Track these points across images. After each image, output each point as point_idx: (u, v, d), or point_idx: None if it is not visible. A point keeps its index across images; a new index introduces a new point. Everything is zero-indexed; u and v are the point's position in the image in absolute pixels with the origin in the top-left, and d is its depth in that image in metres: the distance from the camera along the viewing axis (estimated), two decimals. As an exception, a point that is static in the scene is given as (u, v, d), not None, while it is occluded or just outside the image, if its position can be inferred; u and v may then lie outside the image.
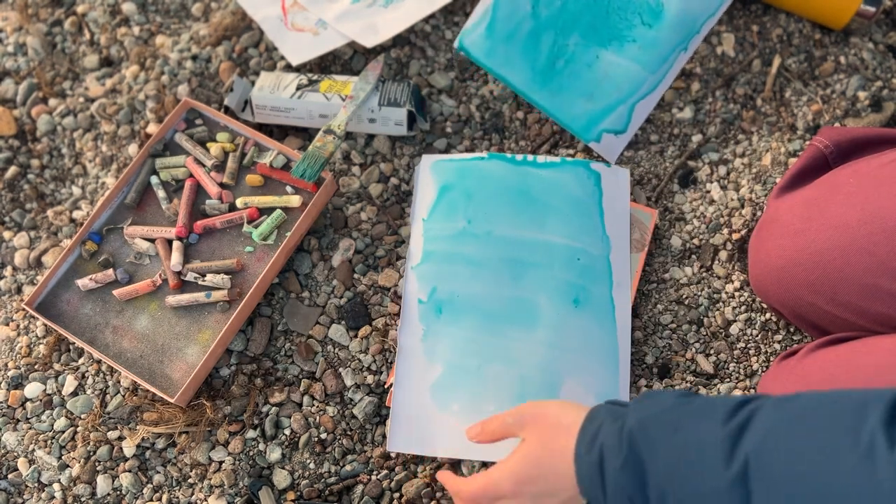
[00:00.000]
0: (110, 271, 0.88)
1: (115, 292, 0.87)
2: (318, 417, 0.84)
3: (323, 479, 0.82)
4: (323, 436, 0.83)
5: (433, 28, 1.06)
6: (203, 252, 0.89)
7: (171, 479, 0.83)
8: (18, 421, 0.87)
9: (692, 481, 0.50)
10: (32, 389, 0.88)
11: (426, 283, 0.87)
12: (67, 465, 0.84)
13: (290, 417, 0.84)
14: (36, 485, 0.84)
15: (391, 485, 0.81)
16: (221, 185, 0.93)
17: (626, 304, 0.85)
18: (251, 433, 0.83)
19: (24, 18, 1.12)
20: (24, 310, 0.92)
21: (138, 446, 0.84)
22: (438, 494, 0.80)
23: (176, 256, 0.87)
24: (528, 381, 0.81)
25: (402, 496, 0.80)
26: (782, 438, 0.47)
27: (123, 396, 0.86)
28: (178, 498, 0.82)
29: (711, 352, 0.85)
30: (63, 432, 0.86)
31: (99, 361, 0.88)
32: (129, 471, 0.83)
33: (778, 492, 0.46)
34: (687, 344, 0.86)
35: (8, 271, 0.95)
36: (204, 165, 0.93)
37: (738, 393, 0.81)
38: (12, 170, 1.01)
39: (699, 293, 0.88)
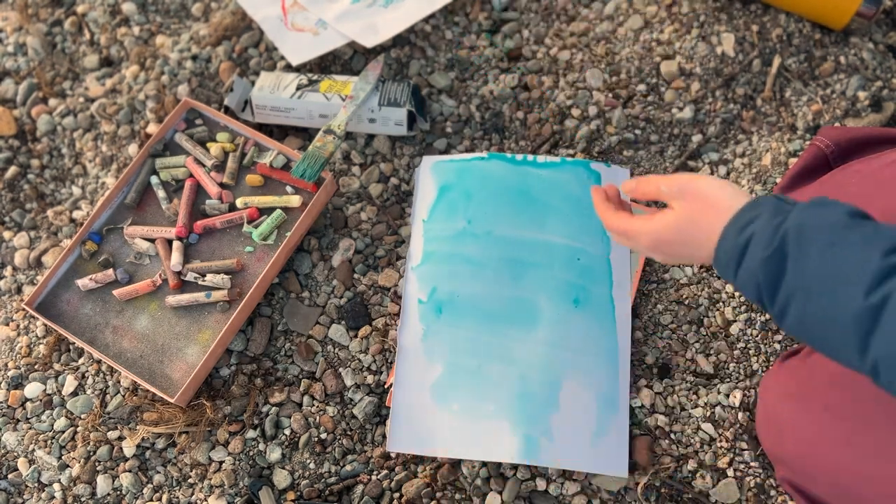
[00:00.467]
0: (110, 271, 0.88)
1: (115, 292, 0.87)
2: (318, 417, 0.84)
3: (323, 479, 0.82)
4: (323, 436, 0.83)
5: (433, 28, 1.06)
6: (203, 252, 0.89)
7: (171, 479, 0.83)
8: (18, 421, 0.87)
9: (825, 298, 0.51)
10: (32, 389, 0.87)
11: (426, 283, 0.87)
12: (67, 465, 0.84)
13: (290, 417, 0.84)
14: (36, 485, 0.84)
15: (391, 485, 0.81)
16: (221, 185, 0.93)
17: (626, 304, 0.85)
18: (251, 433, 0.83)
19: (24, 18, 1.11)
20: (24, 310, 0.92)
21: (138, 446, 0.84)
22: (438, 494, 0.80)
23: (176, 256, 0.87)
24: (528, 381, 0.81)
25: (402, 496, 0.80)
26: None
27: (123, 396, 0.86)
28: (178, 498, 0.82)
29: (711, 352, 0.85)
30: (63, 432, 0.86)
31: (99, 361, 0.88)
32: (129, 471, 0.83)
33: None
34: (687, 344, 0.86)
35: (8, 271, 0.95)
36: (204, 165, 0.93)
37: (738, 393, 0.81)
38: (12, 170, 1.01)
39: (699, 293, 0.88)
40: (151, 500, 0.82)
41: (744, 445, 0.80)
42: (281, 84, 0.96)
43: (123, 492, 0.82)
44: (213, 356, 0.83)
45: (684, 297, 0.88)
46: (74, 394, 0.87)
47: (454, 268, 0.87)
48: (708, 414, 0.81)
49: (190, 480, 0.83)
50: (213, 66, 1.05)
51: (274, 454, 0.82)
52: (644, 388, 0.83)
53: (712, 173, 0.94)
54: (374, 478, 0.81)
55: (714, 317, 0.86)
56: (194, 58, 1.05)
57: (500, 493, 0.79)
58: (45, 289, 0.88)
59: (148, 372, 0.84)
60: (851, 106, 0.95)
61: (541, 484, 0.79)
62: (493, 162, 0.92)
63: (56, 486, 0.83)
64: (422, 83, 1.02)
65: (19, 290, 0.94)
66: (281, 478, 0.82)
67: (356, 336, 0.88)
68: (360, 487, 0.81)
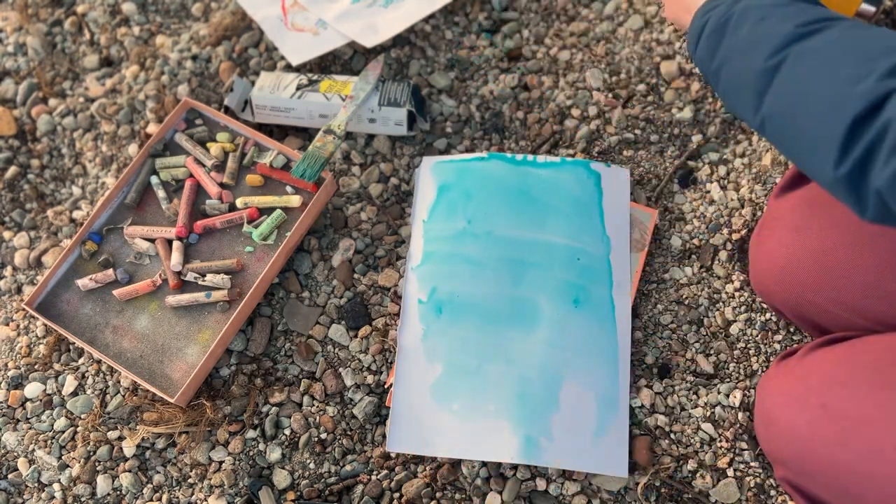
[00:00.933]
0: (110, 271, 0.88)
1: (115, 292, 0.87)
2: (318, 417, 0.84)
3: (323, 479, 0.82)
4: (323, 436, 0.83)
5: (433, 28, 1.06)
6: (203, 252, 0.90)
7: (171, 479, 0.83)
8: (18, 421, 0.87)
9: (742, 60, 0.58)
10: (32, 389, 0.88)
11: (426, 283, 0.87)
12: (67, 465, 0.84)
13: (290, 417, 0.84)
14: (36, 485, 0.84)
15: (391, 485, 0.81)
16: (221, 185, 0.93)
17: (626, 304, 0.85)
18: (251, 433, 0.83)
19: (24, 18, 1.12)
20: (24, 310, 0.92)
21: (138, 446, 0.84)
22: (438, 494, 0.80)
23: (176, 256, 0.87)
24: (528, 381, 0.81)
25: (402, 496, 0.80)
26: (820, 52, 0.53)
27: (123, 396, 0.86)
28: (178, 498, 0.82)
29: (711, 352, 0.85)
30: (63, 432, 0.86)
31: (99, 361, 0.88)
32: (129, 471, 0.83)
33: (786, 86, 0.54)
34: (687, 344, 0.86)
35: (8, 271, 0.95)
36: (204, 165, 0.93)
37: (738, 393, 0.81)
38: (12, 170, 1.01)
39: (699, 293, 0.88)
40: (151, 500, 0.82)
41: (744, 445, 0.80)
42: (281, 84, 0.96)
43: (123, 492, 0.82)
44: (213, 356, 0.83)
45: (684, 297, 0.88)
46: (74, 394, 0.87)
47: (454, 268, 0.87)
48: (708, 414, 0.81)
49: (190, 480, 0.83)
50: (213, 66, 1.05)
51: (274, 454, 0.82)
52: (644, 388, 0.83)
53: (712, 173, 0.94)
54: (374, 478, 0.81)
55: (714, 317, 0.86)
56: (194, 58, 1.05)
57: (500, 493, 0.79)
58: (45, 289, 0.88)
59: (148, 372, 0.84)
60: (851, 106, 0.95)
61: (541, 484, 0.80)
62: (493, 162, 0.92)
63: (56, 486, 0.83)
64: (422, 83, 1.02)
65: (19, 290, 0.94)
66: (281, 478, 0.82)
67: (356, 336, 0.88)
68: (360, 487, 0.81)
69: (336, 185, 0.93)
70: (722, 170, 0.94)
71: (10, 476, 0.84)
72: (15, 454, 0.85)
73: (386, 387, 0.85)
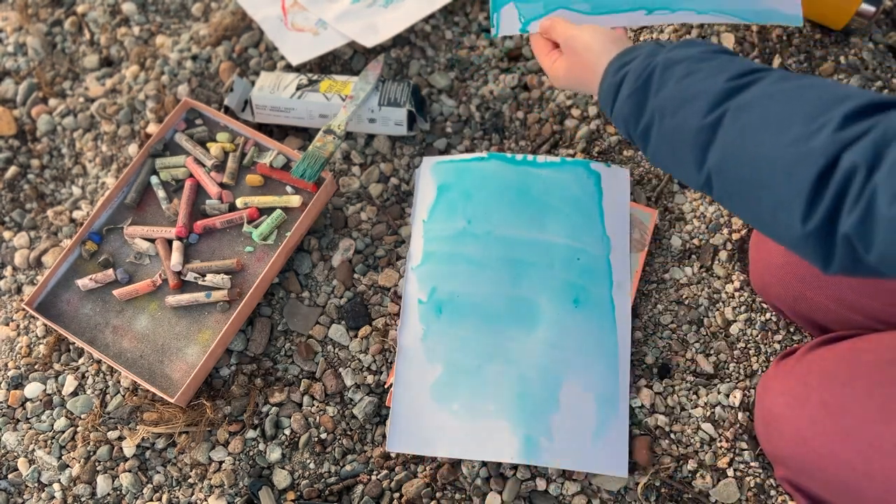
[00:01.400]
0: (110, 271, 0.88)
1: (115, 292, 0.87)
2: (318, 417, 0.84)
3: (323, 479, 0.82)
4: (323, 436, 0.83)
5: (433, 28, 1.06)
6: (203, 252, 0.90)
7: (171, 479, 0.83)
8: (18, 421, 0.87)
9: (675, 118, 0.56)
10: (32, 389, 0.88)
11: (426, 283, 0.87)
12: (67, 465, 0.84)
13: (290, 417, 0.84)
14: (36, 485, 0.84)
15: (391, 485, 0.81)
16: (221, 185, 0.93)
17: (626, 304, 0.85)
18: (251, 433, 0.83)
19: (24, 18, 1.12)
20: (24, 310, 0.92)
21: (138, 446, 0.84)
22: (438, 494, 0.80)
23: (176, 256, 0.87)
24: (528, 381, 0.81)
25: (402, 496, 0.80)
26: (761, 108, 0.52)
27: (123, 396, 0.86)
28: (178, 498, 0.82)
29: (711, 352, 0.85)
30: (63, 432, 0.86)
31: (99, 361, 0.88)
32: (129, 471, 0.83)
33: (732, 143, 0.53)
34: (687, 344, 0.86)
35: (8, 271, 0.95)
36: (204, 165, 0.93)
37: (738, 393, 0.81)
38: (12, 170, 1.01)
39: (699, 293, 0.88)
40: (151, 500, 0.82)
41: (744, 445, 0.80)
42: (281, 84, 0.96)
43: (123, 492, 0.82)
44: (213, 356, 0.83)
45: (684, 297, 0.88)
46: (74, 394, 0.87)
47: (454, 268, 0.87)
48: (708, 414, 0.81)
49: (190, 480, 0.83)
50: (213, 66, 1.05)
51: (274, 454, 0.82)
52: (644, 388, 0.83)
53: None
54: (374, 478, 0.81)
55: (714, 317, 0.86)
56: (194, 58, 1.05)
57: (500, 493, 0.79)
58: (45, 289, 0.88)
59: (148, 372, 0.84)
60: (851, 106, 0.95)
61: (541, 484, 0.79)
62: (493, 162, 0.92)
63: (56, 486, 0.83)
64: (422, 83, 1.02)
65: (19, 290, 0.94)
66: (281, 478, 0.82)
67: (356, 336, 0.88)
68: (360, 487, 0.81)
69: (336, 185, 0.93)
70: (722, 170, 0.94)
71: (10, 476, 0.84)
72: (15, 454, 0.85)
73: (386, 387, 0.85)
